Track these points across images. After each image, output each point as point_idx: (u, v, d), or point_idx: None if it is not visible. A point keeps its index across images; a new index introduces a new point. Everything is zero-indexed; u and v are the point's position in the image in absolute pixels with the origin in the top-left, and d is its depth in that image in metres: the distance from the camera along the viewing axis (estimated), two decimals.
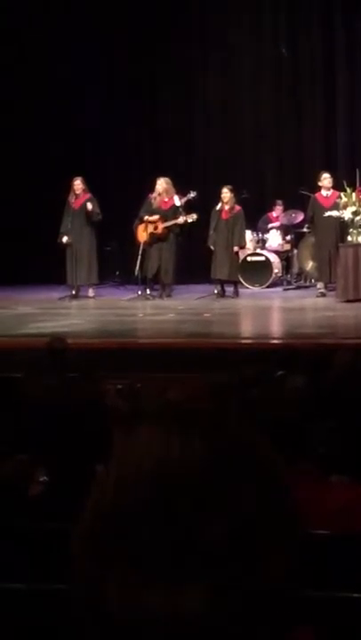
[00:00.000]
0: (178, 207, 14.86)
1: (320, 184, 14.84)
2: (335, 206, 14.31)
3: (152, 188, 15.81)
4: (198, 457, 0.92)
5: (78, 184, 15.14)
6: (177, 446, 0.93)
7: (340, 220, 14.16)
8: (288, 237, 16.26)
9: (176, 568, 0.89)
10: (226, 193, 14.93)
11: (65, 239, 15.08)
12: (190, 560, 0.89)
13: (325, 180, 14.75)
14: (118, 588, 0.90)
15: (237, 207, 15.06)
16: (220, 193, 14.99)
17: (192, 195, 15.03)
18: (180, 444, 0.93)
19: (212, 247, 14.90)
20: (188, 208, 14.94)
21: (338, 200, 14.27)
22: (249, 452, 0.95)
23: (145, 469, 0.92)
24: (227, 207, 14.95)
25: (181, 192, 15.08)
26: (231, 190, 14.99)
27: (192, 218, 14.78)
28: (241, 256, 15.44)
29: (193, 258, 16.36)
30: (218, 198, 15.04)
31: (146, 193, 15.64)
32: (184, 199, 14.97)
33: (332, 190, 14.71)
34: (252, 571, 0.90)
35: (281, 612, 0.93)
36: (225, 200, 14.94)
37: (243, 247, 15.37)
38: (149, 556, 0.90)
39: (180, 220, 14.73)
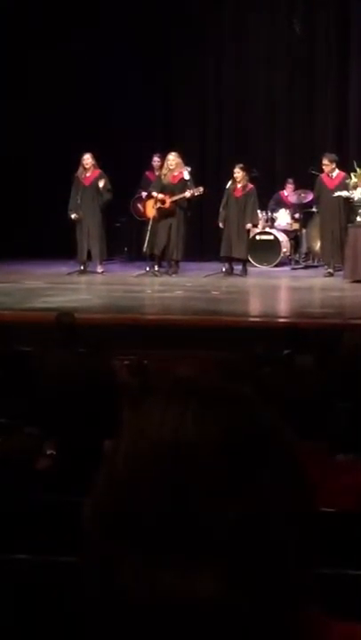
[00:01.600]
0: (187, 181, 14.81)
1: (323, 166, 14.84)
2: (341, 187, 14.28)
3: (150, 167, 15.81)
4: (213, 434, 0.91)
5: (87, 158, 15.09)
6: (191, 422, 0.92)
7: (348, 200, 14.14)
8: (297, 216, 16.22)
9: (191, 549, 0.88)
10: (238, 172, 14.87)
11: (74, 216, 15.06)
12: (205, 541, 0.88)
13: (325, 166, 14.72)
14: (132, 567, 0.90)
15: (250, 185, 15.01)
16: (232, 171, 14.94)
17: (188, 169, 14.97)
18: (194, 421, 0.92)
19: (221, 225, 14.86)
20: (195, 182, 14.88)
21: (347, 181, 14.23)
22: (265, 432, 0.94)
23: (159, 445, 0.91)
24: (239, 185, 14.90)
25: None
26: (243, 169, 14.93)
27: (199, 191, 14.72)
28: (250, 235, 15.42)
29: (203, 235, 16.35)
30: (230, 176, 14.98)
31: (144, 171, 15.64)
32: (191, 192, 14.85)
33: (337, 171, 14.67)
34: (267, 552, 0.90)
35: (295, 592, 0.94)
36: (238, 179, 14.89)
37: (255, 225, 15.34)
38: (163, 536, 0.89)
39: (187, 193, 14.70)
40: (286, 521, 0.91)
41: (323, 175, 14.85)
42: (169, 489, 0.89)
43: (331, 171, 14.70)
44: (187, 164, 15.00)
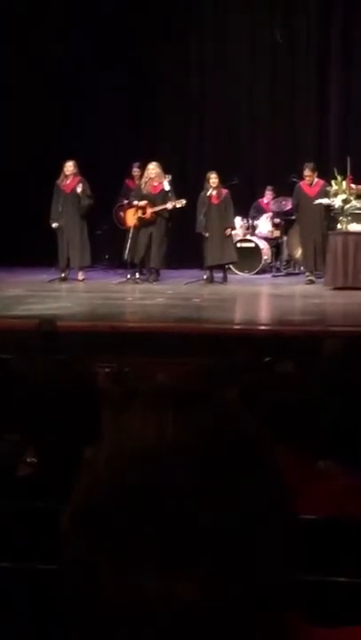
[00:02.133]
0: (167, 192, 14.84)
1: (303, 175, 14.91)
2: (322, 194, 14.35)
3: (130, 175, 15.83)
4: (192, 439, 0.91)
5: (70, 166, 15.09)
6: (170, 428, 0.92)
7: (328, 208, 14.21)
8: (278, 224, 16.26)
9: (168, 554, 0.88)
10: (214, 178, 14.89)
11: (55, 225, 15.05)
12: (185, 544, 0.88)
13: (308, 176, 14.79)
14: (113, 573, 0.90)
15: (224, 190, 15.06)
16: (207, 178, 14.95)
17: (167, 178, 14.98)
18: (174, 426, 0.92)
19: (205, 234, 14.82)
20: (175, 191, 14.91)
21: (328, 188, 14.29)
22: (242, 438, 0.95)
23: (139, 451, 0.91)
24: (215, 192, 14.92)
25: (223, 179, 15.10)
26: (217, 175, 14.96)
27: (181, 203, 14.76)
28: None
29: (183, 243, 16.36)
30: (205, 184, 14.99)
31: (124, 179, 15.67)
32: (172, 204, 14.87)
33: (316, 179, 14.75)
34: (246, 555, 0.90)
35: (278, 597, 0.94)
36: (214, 185, 14.91)
37: (233, 229, 15.36)
38: (143, 541, 0.89)
39: (169, 205, 14.72)
40: (265, 524, 0.92)
41: (302, 183, 14.91)
42: (149, 494, 0.89)
43: (311, 180, 14.77)
44: (167, 172, 15.01)
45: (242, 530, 0.90)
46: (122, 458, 0.92)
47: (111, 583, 0.90)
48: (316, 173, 14.82)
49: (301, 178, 14.97)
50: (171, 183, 14.92)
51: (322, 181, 14.65)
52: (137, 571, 0.89)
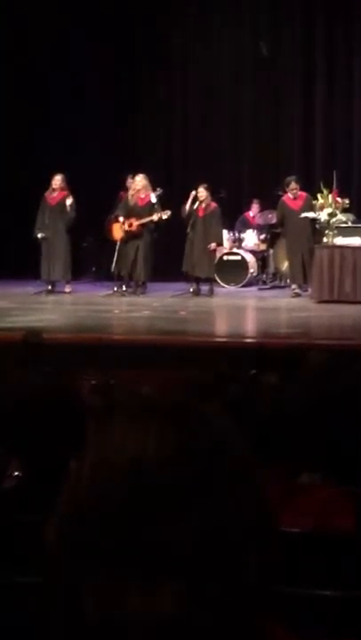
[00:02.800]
0: (154, 204, 14.86)
1: (287, 188, 14.93)
2: (307, 208, 14.39)
3: (124, 187, 15.85)
4: (173, 455, 0.92)
5: (58, 179, 15.10)
6: (152, 443, 0.92)
7: (313, 221, 14.25)
8: (264, 237, 16.30)
9: (151, 568, 0.88)
10: (202, 192, 14.93)
11: (40, 235, 15.05)
12: (165, 560, 0.89)
13: (294, 190, 14.81)
14: (96, 588, 0.90)
15: (213, 204, 15.08)
16: (195, 191, 14.99)
17: (158, 191, 15.02)
18: (156, 441, 0.92)
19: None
20: (163, 205, 14.94)
21: (314, 202, 14.33)
22: (224, 451, 0.95)
23: (119, 466, 0.92)
24: (203, 205, 14.95)
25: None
26: (206, 189, 14.99)
27: (166, 214, 14.78)
28: (217, 255, 15.47)
29: (169, 256, 16.37)
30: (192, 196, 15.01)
31: (119, 191, 15.70)
32: (152, 195, 14.93)
33: (299, 192, 14.78)
34: (226, 570, 0.91)
35: (255, 610, 0.94)
36: (202, 198, 14.94)
37: (220, 244, 15.38)
38: (123, 555, 0.89)
39: (155, 217, 14.74)
40: (245, 537, 0.92)
41: (285, 197, 14.94)
42: (132, 509, 0.90)
43: (295, 193, 14.81)
44: (154, 185, 15.03)
45: (225, 544, 0.90)
46: (103, 474, 0.92)
47: (94, 598, 0.90)
48: (299, 186, 14.85)
49: (285, 191, 15.00)
50: (160, 197, 14.93)
51: (305, 194, 14.70)
52: (120, 586, 0.89)
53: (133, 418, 0.96)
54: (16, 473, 3.12)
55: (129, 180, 15.95)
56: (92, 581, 0.90)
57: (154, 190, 15.01)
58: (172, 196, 16.18)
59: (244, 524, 0.92)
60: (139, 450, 0.92)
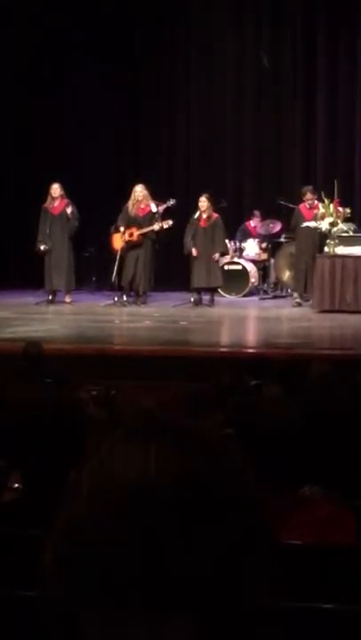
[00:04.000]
0: (154, 213, 14.87)
1: (304, 198, 14.92)
2: (314, 217, 14.39)
3: (129, 197, 15.86)
4: (174, 476, 0.90)
5: (56, 188, 15.10)
6: (153, 464, 0.91)
7: (318, 230, 14.25)
8: (265, 247, 16.31)
9: (158, 596, 0.87)
10: (203, 201, 14.94)
11: (43, 247, 15.05)
12: (173, 587, 0.87)
13: (309, 199, 14.81)
14: (95, 617, 0.88)
15: (215, 215, 15.08)
16: (197, 201, 15.01)
17: (171, 202, 15.05)
18: (156, 462, 0.91)
19: (193, 251, 14.83)
20: (165, 215, 14.95)
21: (316, 211, 14.35)
22: (226, 474, 0.93)
23: (121, 488, 0.90)
24: (205, 215, 14.96)
25: (160, 200, 15.10)
26: (208, 198, 15.00)
27: (168, 224, 14.78)
28: (220, 264, 15.47)
29: (170, 265, 16.39)
30: (196, 207, 15.05)
31: (124, 201, 15.72)
32: (163, 206, 14.99)
33: (315, 202, 14.77)
34: (235, 594, 0.89)
35: (264, 629, 0.93)
36: (203, 208, 14.95)
37: (225, 254, 15.38)
38: (127, 583, 0.87)
39: (156, 226, 14.74)
40: (250, 561, 0.91)
41: (301, 206, 14.94)
42: (131, 532, 0.88)
43: (312, 203, 14.79)
44: (155, 196, 15.04)
45: (227, 568, 0.89)
46: (102, 497, 0.90)
47: (94, 628, 0.88)
48: (315, 196, 14.82)
49: (301, 201, 14.98)
50: (170, 208, 14.93)
51: (319, 204, 14.61)
52: (121, 614, 0.87)
53: (134, 437, 0.95)
54: (16, 485, 3.11)
55: None
56: (92, 611, 0.88)
57: (163, 201, 15.00)
58: (175, 207, 16.19)
59: (247, 549, 0.91)
60: (139, 470, 0.90)
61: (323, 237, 14.32)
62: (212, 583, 0.88)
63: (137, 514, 0.88)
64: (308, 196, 14.85)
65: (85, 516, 0.90)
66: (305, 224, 14.41)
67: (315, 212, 14.46)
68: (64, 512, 0.93)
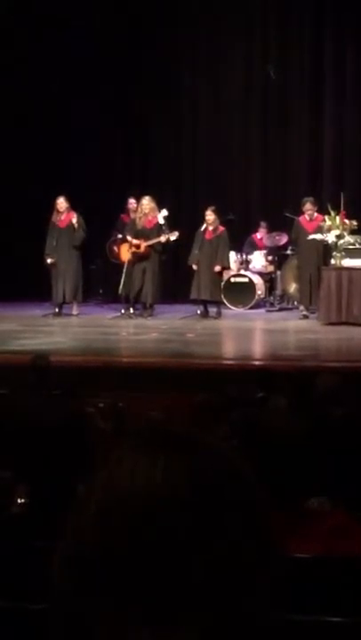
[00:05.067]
0: (161, 225, 14.89)
1: (303, 209, 14.96)
2: (319, 230, 14.39)
3: (125, 210, 15.90)
4: (181, 488, 0.90)
5: (62, 202, 15.15)
6: (160, 476, 0.90)
7: (323, 243, 14.26)
8: (271, 259, 16.32)
9: (165, 608, 0.87)
10: (210, 215, 14.97)
11: (50, 260, 15.09)
12: (179, 600, 0.87)
13: (309, 210, 14.85)
14: (103, 625, 0.88)
15: (221, 228, 15.09)
16: (204, 214, 15.03)
17: (164, 213, 15.04)
18: (163, 474, 0.91)
19: (193, 266, 14.88)
20: (170, 227, 14.97)
21: (322, 224, 14.35)
22: (233, 486, 0.93)
23: (128, 500, 0.90)
24: (210, 228, 14.98)
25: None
26: (214, 211, 15.02)
27: (175, 235, 14.80)
28: (225, 277, 15.48)
29: (177, 278, 16.40)
30: (203, 220, 15.07)
31: (119, 214, 15.76)
32: (158, 217, 14.99)
33: (315, 214, 14.81)
34: (241, 605, 0.89)
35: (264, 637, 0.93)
36: (209, 221, 14.98)
37: (226, 268, 15.39)
38: (134, 595, 0.87)
39: (163, 238, 14.76)
40: (258, 572, 0.91)
41: (301, 218, 14.97)
42: (138, 543, 0.88)
43: (312, 214, 14.83)
44: (162, 207, 15.07)
45: (233, 581, 0.89)
46: (110, 508, 0.90)
47: (101, 636, 0.88)
48: (316, 207, 14.86)
49: (301, 212, 15.02)
50: (166, 218, 14.97)
51: (321, 216, 14.65)
52: (127, 627, 0.87)
53: (142, 449, 0.95)
54: (22, 500, 3.11)
55: (131, 202, 15.98)
56: (101, 619, 0.88)
57: (159, 212, 15.04)
58: (181, 218, 16.23)
59: (256, 558, 0.91)
60: (147, 485, 0.90)
61: (326, 249, 14.34)
62: (222, 595, 0.88)
63: (146, 526, 0.88)
64: (308, 206, 14.87)
65: (94, 529, 0.90)
66: (311, 236, 14.41)
67: (320, 223, 14.47)
68: (73, 525, 0.93)
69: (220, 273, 15.15)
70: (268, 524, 0.95)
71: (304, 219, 14.93)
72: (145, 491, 0.90)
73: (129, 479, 0.91)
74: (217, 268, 14.97)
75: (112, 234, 16.30)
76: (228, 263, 15.40)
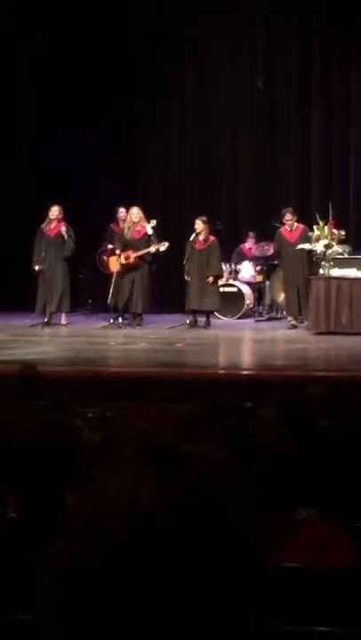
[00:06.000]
0: (150, 236, 14.90)
1: (283, 220, 14.99)
2: (303, 240, 14.43)
3: (114, 220, 15.92)
4: (171, 503, 0.89)
5: (55, 210, 15.14)
6: (145, 491, 0.90)
7: (309, 253, 14.30)
8: (260, 269, 16.34)
9: (151, 630, 0.86)
10: (199, 224, 14.98)
11: (38, 267, 15.07)
12: (165, 621, 0.86)
13: (288, 220, 14.88)
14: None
15: (211, 237, 15.11)
16: (193, 224, 15.05)
17: (153, 223, 15.05)
18: (149, 489, 0.90)
19: (187, 278, 14.90)
20: (159, 237, 14.99)
21: (310, 234, 14.37)
22: (221, 504, 0.92)
23: (114, 514, 0.89)
24: (201, 238, 15.00)
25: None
26: (204, 221, 15.04)
27: (164, 246, 14.82)
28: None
29: (166, 287, 16.42)
30: (192, 230, 15.08)
31: (109, 224, 15.77)
32: (147, 227, 14.99)
33: (296, 224, 14.84)
34: (236, 620, 0.89)
35: None
36: (198, 231, 14.99)
37: (220, 277, 15.40)
38: (120, 613, 0.87)
39: (152, 248, 14.77)
40: (248, 587, 0.91)
41: (282, 229, 15.00)
42: (125, 561, 0.87)
43: (292, 224, 14.88)
44: (150, 217, 15.08)
45: (227, 595, 0.89)
46: (96, 524, 0.90)
47: None
48: (295, 217, 14.91)
49: (282, 223, 15.06)
50: (155, 228, 14.97)
51: (302, 226, 14.73)
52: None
53: (127, 463, 0.94)
54: (12, 515, 3.10)
55: (121, 211, 15.99)
56: (86, 633, 0.88)
57: (148, 222, 15.04)
58: (169, 229, 16.26)
59: (243, 574, 0.90)
60: (132, 500, 0.90)
61: (311, 258, 14.38)
62: (212, 611, 0.88)
63: (129, 540, 0.88)
64: (288, 217, 14.91)
65: (82, 546, 0.90)
66: (299, 246, 14.44)
67: (302, 233, 14.51)
68: (60, 541, 0.92)
69: (215, 282, 15.15)
70: (259, 541, 0.94)
71: (285, 229, 14.96)
72: (129, 508, 0.89)
73: (114, 496, 0.91)
74: (210, 280, 14.97)
75: (101, 244, 16.30)
76: (221, 272, 15.41)
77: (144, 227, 14.95)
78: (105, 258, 16.15)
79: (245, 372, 10.40)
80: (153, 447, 0.97)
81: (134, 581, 0.87)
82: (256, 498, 0.98)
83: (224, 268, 16.00)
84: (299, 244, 14.47)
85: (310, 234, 14.37)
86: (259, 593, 0.93)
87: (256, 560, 0.93)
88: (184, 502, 0.90)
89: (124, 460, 0.95)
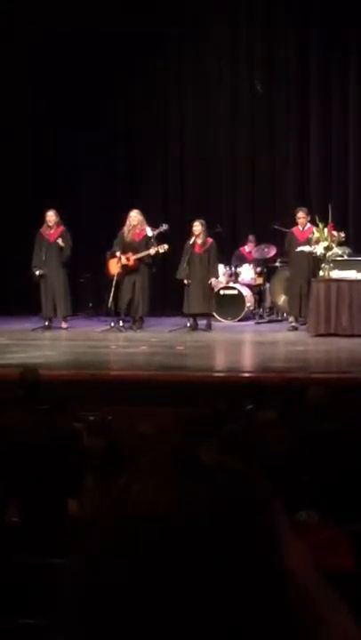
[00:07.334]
0: (150, 238, 14.90)
1: (296, 218, 14.97)
2: (308, 241, 14.42)
3: (124, 222, 15.90)
4: (190, 515, 0.89)
5: (51, 215, 15.15)
6: (167, 501, 0.89)
7: (312, 254, 14.28)
8: (260, 271, 16.34)
9: (172, 634, 0.86)
10: (197, 226, 14.97)
11: (38, 272, 15.08)
12: (184, 629, 0.86)
13: (301, 219, 14.87)
14: None
15: (209, 240, 15.11)
16: (191, 227, 15.04)
17: (164, 227, 15.07)
18: (172, 499, 0.90)
19: (185, 281, 14.89)
20: (159, 240, 14.98)
21: (310, 235, 14.38)
22: (245, 515, 0.92)
23: (134, 525, 0.89)
24: (199, 241, 14.99)
25: (153, 225, 15.14)
26: (202, 224, 15.04)
27: (163, 248, 14.80)
28: (214, 289, 15.50)
29: (166, 290, 16.41)
30: (191, 233, 15.08)
31: (119, 226, 15.75)
32: (156, 231, 15.02)
33: (308, 225, 14.82)
34: (259, 628, 0.89)
35: None
36: (196, 233, 14.98)
37: (215, 278, 15.42)
38: (139, 620, 0.86)
39: (152, 250, 14.77)
40: (267, 593, 0.91)
41: (295, 229, 14.98)
42: (144, 570, 0.87)
43: (304, 223, 14.84)
44: (150, 221, 15.08)
45: (242, 607, 0.89)
46: (116, 533, 0.90)
47: None
48: (308, 217, 14.86)
49: (295, 223, 14.99)
50: (163, 233, 14.96)
51: (312, 227, 14.65)
52: None
53: (149, 473, 0.94)
54: (14, 519, 3.11)
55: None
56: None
57: (156, 227, 15.03)
58: (169, 232, 16.24)
59: (262, 582, 0.90)
60: (153, 510, 0.89)
61: (317, 261, 14.36)
62: (223, 625, 0.87)
63: (149, 550, 0.88)
64: (301, 214, 14.87)
65: (98, 550, 0.90)
66: (299, 248, 14.44)
67: (308, 235, 14.51)
68: (79, 544, 0.93)
69: (213, 286, 15.17)
70: (282, 548, 0.94)
71: (298, 229, 14.93)
72: (150, 518, 0.89)
73: (134, 506, 0.90)
74: (213, 282, 14.99)
75: (112, 248, 16.21)
76: (218, 274, 15.41)
77: (144, 229, 14.96)
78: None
79: (246, 375, 10.41)
80: (177, 453, 0.96)
81: (158, 587, 0.87)
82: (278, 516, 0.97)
83: (225, 270, 16.01)
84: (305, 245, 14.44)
85: (310, 236, 14.37)
86: (280, 599, 0.92)
87: (279, 566, 0.93)
88: (207, 509, 0.90)
89: (148, 466, 0.94)
